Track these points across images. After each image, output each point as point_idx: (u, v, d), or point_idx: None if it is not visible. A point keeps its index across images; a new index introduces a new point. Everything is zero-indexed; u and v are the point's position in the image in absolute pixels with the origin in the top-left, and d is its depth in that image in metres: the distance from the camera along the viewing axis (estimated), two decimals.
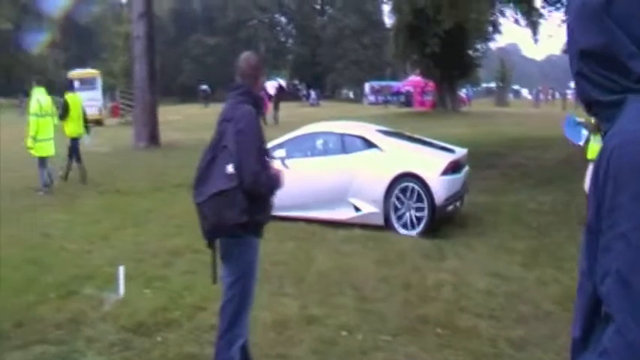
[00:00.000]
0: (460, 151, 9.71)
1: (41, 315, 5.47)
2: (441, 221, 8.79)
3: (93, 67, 42.23)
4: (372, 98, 58.93)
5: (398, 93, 54.03)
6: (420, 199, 8.69)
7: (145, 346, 4.85)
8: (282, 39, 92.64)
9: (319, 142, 9.87)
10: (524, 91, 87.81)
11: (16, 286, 6.15)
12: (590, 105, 1.56)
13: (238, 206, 3.78)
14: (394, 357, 4.63)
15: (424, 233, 8.58)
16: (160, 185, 12.67)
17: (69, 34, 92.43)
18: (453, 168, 8.95)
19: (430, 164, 8.89)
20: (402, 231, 8.77)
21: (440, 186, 8.66)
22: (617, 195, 1.39)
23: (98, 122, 32.25)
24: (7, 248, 7.69)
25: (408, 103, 49.95)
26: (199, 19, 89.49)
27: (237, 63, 4.17)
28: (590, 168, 8.02)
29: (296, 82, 73.46)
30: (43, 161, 12.24)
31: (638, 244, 1.35)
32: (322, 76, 78.01)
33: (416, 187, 8.73)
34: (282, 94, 35.85)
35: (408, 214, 8.81)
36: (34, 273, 6.63)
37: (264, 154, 4.02)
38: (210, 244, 3.96)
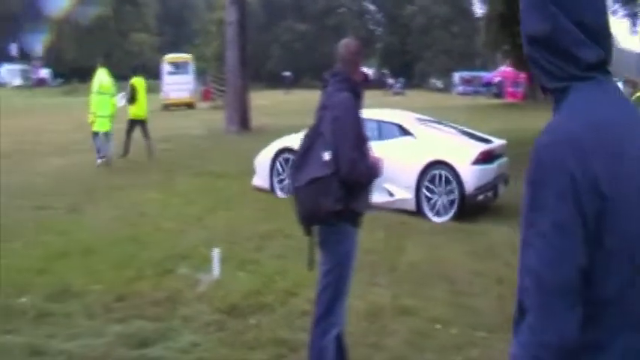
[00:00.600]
0: (497, 142, 9.85)
1: (140, 291, 5.63)
2: (473, 210, 8.93)
3: (186, 52, 43.30)
4: (461, 88, 57.93)
5: (489, 84, 52.89)
6: (451, 187, 8.90)
7: (238, 328, 4.92)
8: (371, 27, 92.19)
9: None
10: (619, 84, 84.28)
11: (117, 262, 6.37)
12: (545, 90, 1.58)
13: (333, 194, 3.75)
14: (490, 353, 4.52)
15: (453, 220, 8.79)
16: (251, 169, 12.83)
17: (163, 20, 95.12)
18: (485, 158, 9.09)
19: (461, 153, 9.06)
20: (433, 217, 9.01)
21: (470, 175, 8.85)
22: (538, 194, 1.42)
23: (189, 105, 33.10)
24: (107, 224, 7.99)
25: (499, 94, 48.83)
26: (289, 5, 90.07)
27: (336, 49, 4.13)
28: None
29: (385, 71, 73.00)
30: (98, 135, 13.14)
31: (556, 245, 1.39)
32: (411, 65, 77.16)
33: (447, 174, 8.93)
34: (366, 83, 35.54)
35: (439, 201, 9.01)
36: (132, 250, 6.84)
37: (362, 142, 3.96)
38: (308, 231, 3.94)
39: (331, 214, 3.77)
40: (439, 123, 10.62)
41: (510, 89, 47.74)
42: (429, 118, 10.84)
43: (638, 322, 1.47)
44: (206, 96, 37.28)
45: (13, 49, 78.46)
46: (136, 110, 14.28)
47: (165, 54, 39.42)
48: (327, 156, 3.77)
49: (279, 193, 10.26)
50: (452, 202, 8.91)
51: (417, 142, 9.41)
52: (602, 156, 1.41)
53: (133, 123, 14.29)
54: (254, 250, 7.07)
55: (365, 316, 5.11)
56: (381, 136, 9.49)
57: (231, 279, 5.93)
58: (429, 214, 9.05)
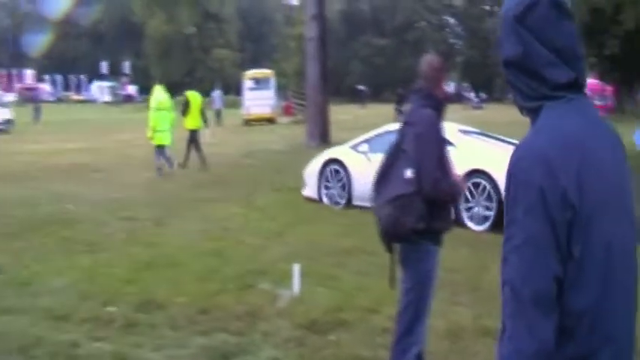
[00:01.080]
0: None
1: (222, 304, 5.73)
2: None
3: (266, 68, 44.04)
4: None
5: None
6: (489, 196, 9.00)
7: (318, 344, 4.93)
8: (451, 41, 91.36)
9: None
10: None
11: (200, 275, 6.52)
12: (521, 110, 1.70)
13: (416, 212, 3.72)
14: None
15: (491, 229, 8.77)
16: None
17: (244, 36, 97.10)
18: None
19: (500, 162, 8.74)
20: (470, 225, 9.08)
21: None
22: (513, 209, 1.51)
23: (270, 120, 33.58)
24: (192, 238, 8.19)
25: None
26: (368, 20, 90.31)
27: (419, 65, 4.11)
28: None
29: (465, 84, 72.11)
30: (160, 149, 14.06)
31: (529, 258, 1.47)
32: (492, 79, 76.02)
33: (485, 183, 9.03)
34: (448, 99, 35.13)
35: (477, 209, 9.10)
36: (215, 263, 6.98)
37: (444, 160, 3.93)
38: (389, 248, 3.93)
39: (413, 232, 3.75)
40: (484, 135, 10.79)
41: (597, 102, 46.26)
42: (473, 130, 11.03)
43: (615, 336, 1.54)
44: (287, 111, 37.78)
45: (104, 66, 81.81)
46: (191, 121, 15.39)
47: (245, 70, 40.30)
48: (409, 173, 3.76)
49: (325, 200, 10.88)
50: (490, 210, 9.02)
51: (456, 152, 9.09)
52: (569, 169, 1.50)
53: (193, 133, 15.33)
54: (334, 265, 7.09)
55: (446, 336, 5.03)
56: None
57: (312, 295, 5.95)
58: (467, 222, 9.13)
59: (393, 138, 9.83)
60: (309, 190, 11.26)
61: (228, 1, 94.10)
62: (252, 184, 13.03)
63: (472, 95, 57.12)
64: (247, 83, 35.38)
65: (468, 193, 9.12)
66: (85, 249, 7.47)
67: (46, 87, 77.99)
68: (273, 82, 35.79)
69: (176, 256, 7.22)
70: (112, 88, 78.88)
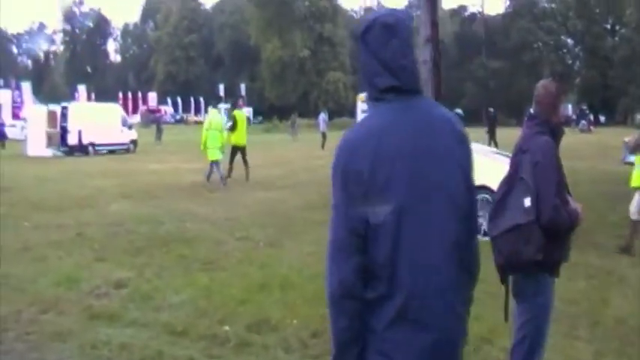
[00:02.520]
0: None
1: None
2: None
3: None
4: None
5: None
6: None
7: None
8: (569, 61, 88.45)
9: None
10: None
11: (313, 297, 6.55)
12: None
13: (535, 242, 3.60)
14: None
15: None
16: None
17: (357, 59, 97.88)
18: None
19: (498, 177, 8.88)
20: (479, 237, 9.05)
21: None
22: (333, 185, 2.04)
23: None
24: (304, 260, 8.29)
25: None
26: (482, 42, 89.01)
27: (535, 90, 4.01)
28: (637, 196, 8.58)
29: (583, 107, 69.35)
30: (212, 163, 16.13)
31: (334, 218, 2.02)
32: (613, 100, 72.86)
33: (489, 198, 9.41)
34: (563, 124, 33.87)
35: (484, 223, 8.97)
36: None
37: (563, 188, 3.79)
38: (503, 280, 3.82)
39: (531, 263, 3.63)
40: (501, 154, 11.69)
41: None
42: (492, 149, 11.89)
43: (405, 284, 1.96)
44: None
45: (221, 89, 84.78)
46: (236, 138, 16.85)
47: (358, 92, 40.42)
48: (527, 202, 3.66)
49: None
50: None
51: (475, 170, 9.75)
52: (366, 154, 1.96)
53: (235, 149, 16.81)
54: None
55: None
56: None
57: None
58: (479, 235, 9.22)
59: None
60: None
61: (341, 25, 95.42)
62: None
63: (582, 118, 55.22)
64: (361, 106, 35.54)
65: (480, 207, 9.28)
66: (202, 267, 7.72)
67: (167, 109, 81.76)
68: None
69: (289, 277, 7.32)
70: (228, 110, 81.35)
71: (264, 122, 73.86)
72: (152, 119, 49.29)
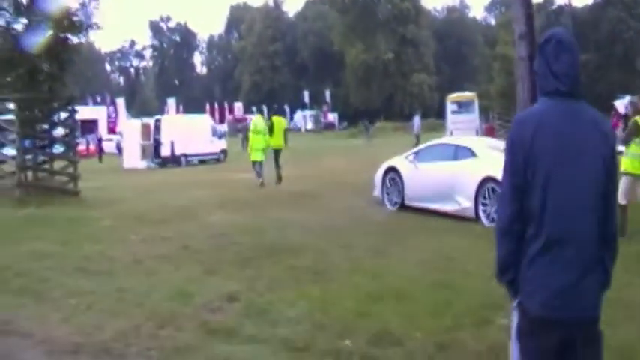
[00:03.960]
0: None
1: (460, 340, 5.43)
2: None
3: (465, 90, 43.32)
4: None
5: None
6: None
7: None
8: None
9: (440, 151, 12.95)
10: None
11: (432, 308, 6.25)
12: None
13: None
14: None
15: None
16: None
17: (441, 59, 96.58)
18: None
19: None
20: (484, 221, 11.12)
21: None
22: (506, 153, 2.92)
23: None
24: (414, 268, 7.98)
25: None
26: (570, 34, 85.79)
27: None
28: (625, 180, 9.59)
29: None
30: (255, 164, 17.96)
31: (504, 175, 2.82)
32: None
33: (496, 188, 10.72)
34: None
35: (490, 209, 11.05)
36: (446, 296, 6.69)
37: None
38: None
39: None
40: None
41: None
42: (499, 143, 12.89)
43: (550, 226, 2.62)
44: (488, 133, 36.70)
45: (305, 95, 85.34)
46: (274, 142, 18.40)
47: (443, 93, 39.85)
48: None
49: (389, 206, 13.26)
50: None
51: (479, 162, 11.74)
52: (529, 128, 2.68)
53: (276, 152, 18.44)
54: None
55: None
56: (456, 157, 12.32)
57: None
58: (484, 221, 11.10)
59: (436, 150, 13.10)
60: (376, 191, 13.81)
61: (424, 25, 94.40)
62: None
63: None
64: (450, 106, 34.92)
65: (484, 197, 11.24)
66: (312, 278, 7.52)
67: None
68: (476, 104, 35.02)
69: (403, 287, 7.02)
70: (313, 116, 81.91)
71: (350, 127, 73.75)
72: (239, 128, 49.89)
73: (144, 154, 32.97)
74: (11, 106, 14.74)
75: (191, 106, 74.24)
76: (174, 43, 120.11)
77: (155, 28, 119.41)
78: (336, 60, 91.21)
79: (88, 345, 5.45)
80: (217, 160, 33.22)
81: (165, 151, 32.45)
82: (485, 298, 6.60)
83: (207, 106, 75.61)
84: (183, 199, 15.03)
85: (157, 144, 32.69)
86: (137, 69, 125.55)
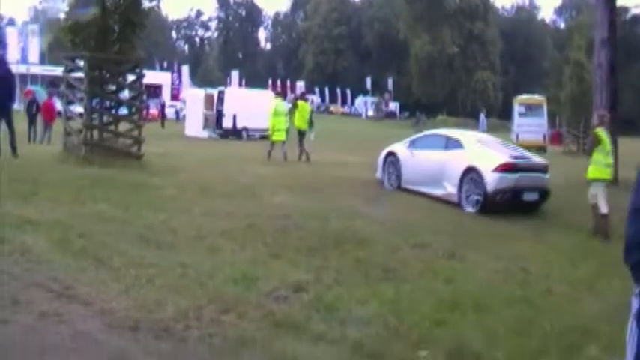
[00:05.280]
0: (529, 160, 13.19)
1: None
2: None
3: (530, 92, 42.11)
4: None
5: None
6: (478, 186, 12.29)
7: None
8: None
9: (433, 141, 14.12)
10: None
11: (514, 326, 5.78)
12: None
13: None
14: None
15: (479, 213, 12.01)
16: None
17: (508, 59, 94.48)
18: (507, 169, 12.23)
19: (487, 162, 12.38)
20: (467, 208, 12.35)
21: (490, 179, 12.06)
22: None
23: (541, 149, 31.77)
24: (492, 277, 7.50)
25: None
26: None
27: None
28: (597, 188, 10.94)
29: None
30: (277, 143, 19.52)
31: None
32: None
33: (476, 177, 12.33)
34: None
35: (473, 198, 12.35)
36: (527, 313, 6.20)
37: None
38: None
39: None
40: (500, 143, 14.17)
41: None
42: (492, 139, 14.78)
43: None
44: (554, 140, 35.62)
45: (368, 82, 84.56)
46: (298, 123, 19.97)
47: (507, 93, 38.72)
48: None
49: (387, 186, 14.40)
50: (479, 197, 12.18)
51: (465, 153, 12.97)
52: None
53: (301, 133, 19.83)
54: None
55: None
56: (446, 148, 13.46)
57: None
58: (465, 207, 12.36)
59: (430, 139, 14.44)
60: (378, 172, 14.88)
61: (492, 23, 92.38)
62: (538, 219, 12.04)
63: None
64: (518, 109, 33.90)
65: (467, 184, 12.45)
66: (383, 275, 7.10)
67: (314, 98, 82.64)
68: (545, 109, 33.93)
69: (481, 298, 6.55)
70: (375, 103, 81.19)
71: (411, 118, 72.74)
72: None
73: (206, 123, 32.94)
74: (81, 63, 14.64)
75: (253, 80, 74.21)
76: (239, 17, 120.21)
77: (221, 0, 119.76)
78: (401, 49, 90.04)
79: (148, 322, 5.15)
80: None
81: (227, 123, 32.33)
82: (571, 321, 6.11)
83: (270, 82, 75.50)
84: (246, 174, 14.72)
85: (220, 115, 32.58)
86: (202, 39, 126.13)
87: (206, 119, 32.95)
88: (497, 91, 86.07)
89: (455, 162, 12.82)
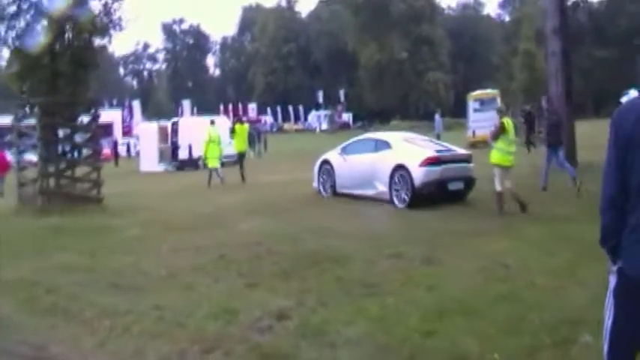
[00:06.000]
0: (452, 152, 14.10)
1: None
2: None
3: (480, 88, 42.60)
4: None
5: None
6: (406, 183, 13.03)
7: None
8: None
9: (363, 145, 14.90)
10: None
11: (505, 325, 5.65)
12: None
13: None
14: None
15: (408, 207, 12.87)
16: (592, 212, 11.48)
17: (456, 57, 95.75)
18: (432, 162, 13.05)
19: (414, 158, 13.18)
20: (397, 203, 13.19)
21: (417, 174, 12.90)
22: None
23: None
24: (472, 278, 7.38)
25: None
26: (587, 30, 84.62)
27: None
28: (497, 171, 11.96)
29: None
30: (211, 170, 20.40)
31: (607, 163, 3.01)
32: None
33: (404, 174, 13.08)
34: None
35: (402, 193, 13.12)
36: (516, 310, 6.08)
37: None
38: None
39: None
40: (425, 140, 15.26)
41: None
42: (420, 137, 15.68)
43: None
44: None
45: (319, 96, 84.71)
46: (237, 146, 21.92)
47: (458, 91, 39.17)
48: None
49: (323, 193, 15.16)
50: (407, 193, 12.98)
51: (393, 152, 13.72)
52: (630, 117, 2.87)
53: (240, 155, 21.49)
54: None
55: None
56: (376, 150, 14.20)
57: None
58: (396, 202, 13.15)
59: (360, 144, 15.25)
60: (314, 182, 15.59)
61: (439, 24, 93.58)
62: (507, 213, 11.99)
63: None
64: (472, 104, 34.19)
65: (396, 182, 13.24)
66: (364, 291, 6.93)
67: (267, 119, 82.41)
68: (499, 102, 34.23)
69: (466, 301, 6.43)
70: (328, 116, 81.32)
71: (365, 127, 73.03)
72: (253, 130, 49.25)
73: (161, 157, 32.47)
74: (29, 110, 14.28)
75: (205, 108, 73.65)
76: (187, 46, 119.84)
77: (168, 30, 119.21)
78: (350, 60, 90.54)
79: None
80: (235, 163, 32.61)
81: (183, 154, 31.92)
82: (560, 314, 6.00)
83: (222, 108, 75.11)
84: (208, 204, 14.48)
85: (175, 147, 32.15)
86: (150, 72, 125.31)
87: (161, 153, 32.49)
88: (449, 91, 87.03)
89: (384, 161, 13.57)
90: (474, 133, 32.37)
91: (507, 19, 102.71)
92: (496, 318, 5.87)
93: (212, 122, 23.06)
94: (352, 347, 5.29)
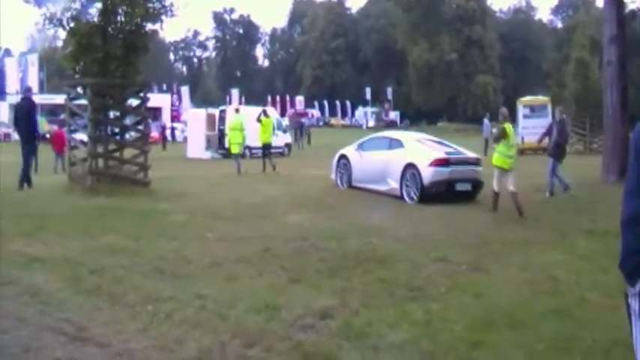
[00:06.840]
0: (462, 155, 14.71)
1: None
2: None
3: (530, 93, 41.86)
4: None
5: None
6: (416, 180, 13.79)
7: None
8: None
9: (379, 143, 15.81)
10: None
11: (555, 342, 5.45)
12: None
13: None
14: None
15: (417, 202, 13.65)
16: None
17: (506, 61, 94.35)
18: (441, 163, 13.78)
19: (423, 158, 13.92)
20: (407, 199, 13.94)
21: (426, 173, 13.62)
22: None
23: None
24: (520, 290, 7.17)
25: None
26: None
27: None
28: (496, 173, 12.66)
29: None
30: (234, 156, 21.84)
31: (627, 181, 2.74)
32: None
33: (414, 172, 13.86)
34: None
35: (412, 191, 13.88)
36: (566, 327, 5.86)
37: None
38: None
39: None
40: (437, 142, 15.59)
41: None
42: (432, 138, 16.28)
43: None
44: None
45: (367, 93, 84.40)
46: (262, 138, 22.05)
47: (507, 96, 38.51)
48: None
49: (340, 185, 16.11)
50: (417, 190, 13.71)
51: (405, 151, 14.53)
52: None
53: (263, 147, 22.28)
54: None
55: None
56: (390, 147, 15.09)
57: None
58: (407, 199, 13.94)
59: (375, 141, 16.37)
60: (332, 174, 16.56)
61: (490, 27, 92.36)
62: (558, 224, 11.70)
63: None
64: (522, 110, 33.59)
65: (407, 179, 13.99)
66: (409, 295, 6.78)
67: (314, 112, 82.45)
68: (549, 109, 33.59)
69: (514, 312, 6.24)
70: (375, 113, 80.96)
71: (412, 126, 72.50)
72: (300, 123, 49.42)
73: (209, 144, 32.65)
74: (82, 91, 14.45)
75: (253, 98, 74.11)
76: (237, 35, 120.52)
77: (218, 19, 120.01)
78: (399, 58, 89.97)
79: None
80: (281, 154, 32.52)
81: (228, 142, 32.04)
82: (613, 333, 5.75)
83: (269, 99, 75.40)
84: (255, 195, 14.47)
85: (222, 135, 32.29)
86: (200, 59, 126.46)
87: (208, 140, 32.67)
88: (498, 95, 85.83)
89: (396, 160, 14.36)
90: (522, 139, 31.70)
91: (560, 25, 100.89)
92: (546, 333, 5.68)
93: (237, 110, 24.08)
94: (395, 352, 5.16)
